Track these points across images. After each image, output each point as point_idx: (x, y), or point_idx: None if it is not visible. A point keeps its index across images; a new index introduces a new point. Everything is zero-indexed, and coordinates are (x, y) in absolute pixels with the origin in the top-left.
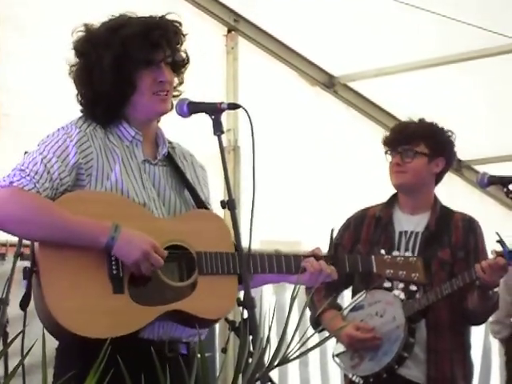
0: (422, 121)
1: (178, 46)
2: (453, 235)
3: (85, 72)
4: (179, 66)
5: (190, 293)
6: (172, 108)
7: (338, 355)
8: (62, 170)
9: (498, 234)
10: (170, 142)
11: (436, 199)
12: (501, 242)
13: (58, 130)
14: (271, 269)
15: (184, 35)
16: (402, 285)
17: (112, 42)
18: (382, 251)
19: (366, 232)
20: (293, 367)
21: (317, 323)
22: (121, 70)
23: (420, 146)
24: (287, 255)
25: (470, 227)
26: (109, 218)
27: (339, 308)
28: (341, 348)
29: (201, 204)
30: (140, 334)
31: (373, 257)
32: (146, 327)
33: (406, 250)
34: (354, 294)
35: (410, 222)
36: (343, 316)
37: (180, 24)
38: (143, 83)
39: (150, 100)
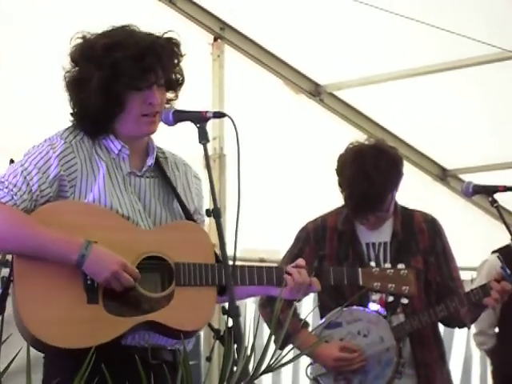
0: (377, 164)
1: (174, 66)
2: (420, 240)
3: (75, 84)
4: (174, 85)
5: (166, 304)
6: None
7: (319, 376)
8: (42, 182)
9: (499, 258)
10: (162, 153)
11: (395, 203)
12: (503, 268)
13: (45, 140)
14: (251, 281)
15: (182, 55)
16: (377, 296)
17: (104, 62)
18: (373, 264)
19: (330, 247)
20: (265, 375)
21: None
22: (109, 91)
23: (388, 197)
24: (269, 267)
25: (435, 229)
26: (87, 229)
27: (305, 323)
28: (321, 369)
29: (188, 215)
30: (122, 341)
31: (360, 269)
32: (122, 336)
33: (377, 262)
34: (322, 309)
35: (375, 232)
36: (317, 334)
37: (178, 44)
38: (132, 105)
39: (138, 121)
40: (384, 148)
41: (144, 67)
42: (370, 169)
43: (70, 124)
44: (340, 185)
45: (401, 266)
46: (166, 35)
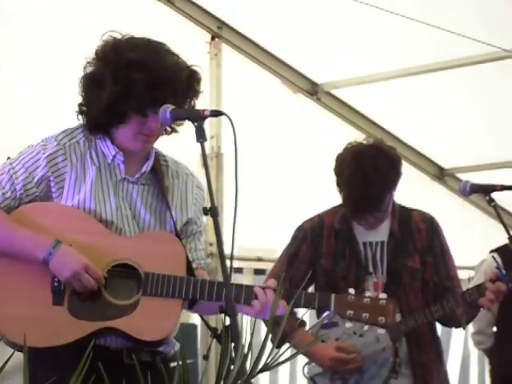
0: (376, 165)
1: (187, 101)
2: (417, 240)
3: (89, 81)
4: None
5: (130, 312)
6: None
7: (315, 375)
8: (27, 181)
9: (494, 257)
10: (165, 160)
11: (393, 202)
12: (498, 268)
13: (42, 140)
14: (219, 297)
15: (200, 92)
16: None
17: (121, 76)
18: (351, 291)
19: (327, 245)
20: (263, 373)
21: (281, 340)
22: (116, 105)
23: (387, 198)
24: (239, 284)
25: (433, 229)
26: (63, 232)
27: (302, 322)
28: (317, 368)
29: (175, 227)
30: (96, 341)
31: (333, 295)
32: (84, 339)
33: (374, 262)
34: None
35: (372, 231)
36: (314, 334)
37: (199, 80)
38: (133, 123)
39: (134, 137)
40: (383, 148)
41: (156, 97)
42: (369, 169)
43: (68, 123)
44: (338, 185)
45: (383, 295)
46: (192, 68)
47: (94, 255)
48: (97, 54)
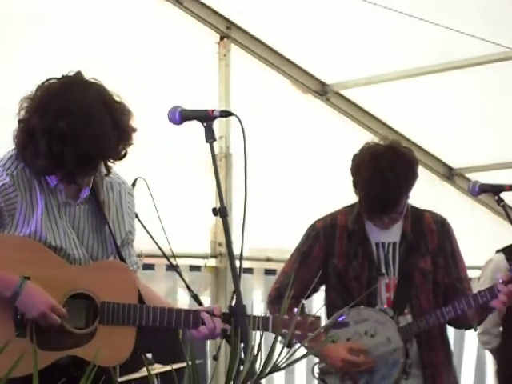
0: (394, 166)
1: (119, 149)
2: (429, 241)
3: (24, 136)
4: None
5: (88, 340)
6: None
7: (325, 375)
8: None
9: (508, 260)
10: (99, 172)
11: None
12: (511, 270)
13: None
14: (169, 323)
15: (131, 144)
16: (385, 296)
17: (53, 150)
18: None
19: (339, 245)
20: (279, 374)
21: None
22: (50, 170)
23: (403, 199)
24: (187, 310)
25: (444, 230)
26: (18, 265)
27: None
28: (328, 368)
29: (116, 243)
30: None
31: (271, 317)
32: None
33: (386, 262)
34: (329, 308)
35: (385, 232)
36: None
37: (134, 131)
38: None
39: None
40: (400, 149)
41: (87, 170)
42: (387, 170)
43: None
44: (355, 185)
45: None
46: (126, 118)
47: (52, 286)
48: (32, 106)
